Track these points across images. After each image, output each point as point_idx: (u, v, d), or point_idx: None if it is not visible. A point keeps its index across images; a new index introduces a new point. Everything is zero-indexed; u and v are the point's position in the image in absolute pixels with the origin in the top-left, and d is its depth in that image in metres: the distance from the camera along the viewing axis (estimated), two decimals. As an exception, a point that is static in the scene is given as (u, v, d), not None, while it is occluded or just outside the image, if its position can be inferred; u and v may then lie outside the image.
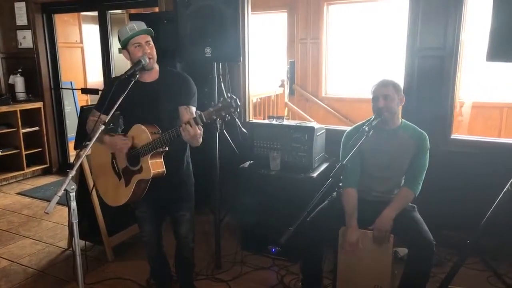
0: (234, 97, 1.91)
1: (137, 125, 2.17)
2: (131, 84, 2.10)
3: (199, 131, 1.98)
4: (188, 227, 2.47)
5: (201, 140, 2.08)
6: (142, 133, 2.14)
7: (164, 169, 2.18)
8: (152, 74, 2.28)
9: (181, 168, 2.39)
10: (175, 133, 2.03)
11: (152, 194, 2.28)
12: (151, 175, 2.14)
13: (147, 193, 2.25)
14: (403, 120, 2.44)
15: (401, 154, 2.37)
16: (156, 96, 2.24)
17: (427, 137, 2.39)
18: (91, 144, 1.95)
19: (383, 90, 2.32)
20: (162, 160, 2.18)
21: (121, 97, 2.05)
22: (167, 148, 2.14)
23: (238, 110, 1.92)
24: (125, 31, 2.18)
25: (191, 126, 1.95)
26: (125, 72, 2.13)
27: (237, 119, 3.32)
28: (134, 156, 2.20)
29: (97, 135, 1.95)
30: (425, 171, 2.38)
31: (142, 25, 2.21)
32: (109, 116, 2.06)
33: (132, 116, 2.25)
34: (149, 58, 2.18)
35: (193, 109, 2.26)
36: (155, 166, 2.15)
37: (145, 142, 2.11)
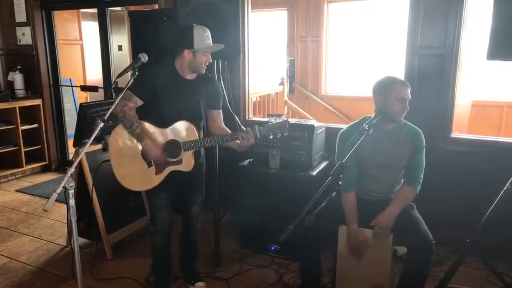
0: (287, 119, 2.26)
1: (184, 121, 2.32)
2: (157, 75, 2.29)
3: (253, 142, 2.26)
4: (199, 209, 2.66)
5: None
6: (189, 130, 2.31)
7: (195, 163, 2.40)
8: (194, 74, 2.41)
9: (199, 157, 2.52)
10: (229, 139, 2.27)
11: (173, 182, 2.39)
12: (191, 169, 2.33)
13: (168, 180, 2.37)
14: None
15: (398, 153, 2.36)
16: (194, 93, 2.38)
17: (422, 134, 2.38)
18: (89, 141, 1.95)
19: (409, 93, 2.28)
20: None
21: (130, 74, 2.14)
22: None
23: (290, 129, 2.26)
24: (203, 38, 2.30)
25: (250, 136, 2.23)
26: (125, 69, 2.13)
27: (236, 117, 3.31)
28: (174, 149, 2.32)
29: (94, 135, 1.95)
30: (424, 168, 2.38)
31: (210, 33, 2.35)
32: (126, 86, 2.14)
33: (167, 107, 2.33)
34: (205, 66, 2.36)
35: (221, 112, 2.51)
36: (194, 160, 2.35)
37: (191, 139, 2.29)
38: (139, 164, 2.38)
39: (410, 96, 2.29)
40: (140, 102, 2.30)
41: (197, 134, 2.31)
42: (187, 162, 2.33)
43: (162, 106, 2.35)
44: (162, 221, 2.51)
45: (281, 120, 2.23)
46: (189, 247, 2.77)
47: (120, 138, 2.40)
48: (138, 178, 2.39)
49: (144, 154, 2.37)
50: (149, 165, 2.37)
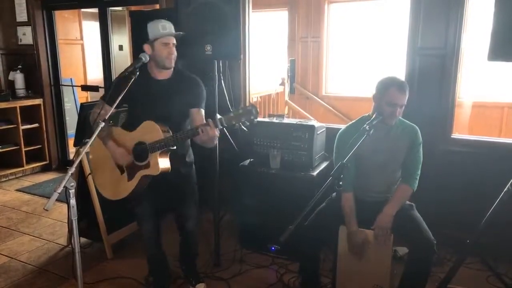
0: (255, 105, 1.97)
1: (148, 122, 2.19)
2: (132, 81, 2.10)
3: (217, 133, 2.05)
4: (195, 222, 2.58)
5: (216, 141, 2.16)
6: (154, 130, 2.16)
7: (170, 166, 2.22)
8: (167, 73, 2.32)
9: (184, 165, 2.42)
10: (190, 133, 2.09)
11: (156, 191, 2.32)
12: (159, 172, 2.17)
13: (150, 190, 2.28)
14: None
15: (395, 151, 2.36)
16: (167, 94, 2.28)
17: (419, 131, 2.38)
18: (91, 141, 1.95)
19: (403, 99, 2.24)
20: (168, 158, 2.22)
21: (124, 90, 2.06)
22: (175, 147, 2.18)
23: (257, 118, 1.98)
24: (157, 28, 2.21)
25: (210, 128, 2.02)
26: (126, 69, 2.13)
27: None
28: (141, 152, 2.22)
29: (96, 133, 1.95)
30: (421, 165, 2.37)
31: (171, 26, 2.26)
32: (113, 106, 2.08)
33: (140, 110, 2.27)
34: (170, 59, 2.24)
35: (203, 112, 2.34)
36: (163, 162, 2.18)
37: (156, 139, 2.14)
38: (113, 172, 2.33)
39: (404, 102, 2.25)
40: (110, 109, 2.14)
41: (161, 134, 2.14)
42: (154, 165, 2.18)
43: (135, 110, 2.32)
44: (148, 231, 2.48)
45: (247, 106, 2.00)
46: (188, 253, 2.74)
47: (97, 148, 2.37)
48: (113, 186, 2.35)
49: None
50: (122, 171, 2.31)
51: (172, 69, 2.33)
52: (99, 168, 2.44)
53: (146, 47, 2.25)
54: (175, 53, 2.28)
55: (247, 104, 2.01)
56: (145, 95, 2.25)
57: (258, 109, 1.98)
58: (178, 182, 2.39)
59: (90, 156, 2.48)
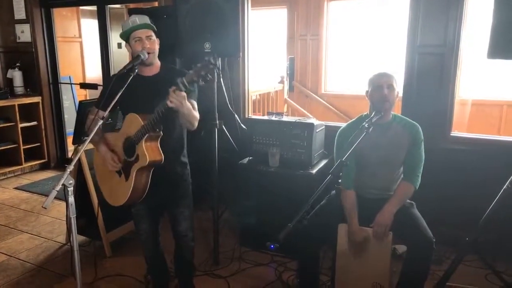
0: (211, 57, 1.88)
1: (130, 114, 2.14)
2: (130, 79, 2.07)
3: (183, 95, 1.95)
4: (187, 225, 2.42)
5: (185, 105, 2.00)
6: (134, 121, 2.10)
7: (162, 156, 2.13)
8: (153, 69, 2.24)
9: (178, 165, 2.35)
10: (162, 108, 1.98)
11: (149, 192, 2.25)
12: (148, 161, 2.07)
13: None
14: (393, 113, 2.42)
15: (396, 147, 2.36)
16: (156, 90, 2.18)
17: (420, 128, 2.38)
18: (89, 139, 1.94)
19: (387, 79, 2.30)
20: (158, 145, 2.13)
21: (120, 92, 2.02)
22: (161, 132, 2.11)
23: (218, 66, 1.87)
24: (126, 24, 2.16)
25: (174, 94, 1.92)
26: (124, 67, 2.10)
27: (236, 116, 3.31)
28: (130, 147, 2.17)
29: (95, 130, 1.94)
30: (423, 163, 2.37)
31: (144, 19, 2.17)
32: (107, 111, 2.04)
33: (130, 110, 2.21)
34: (148, 53, 2.14)
35: (194, 103, 2.22)
36: (151, 151, 2.09)
37: (138, 129, 2.08)
38: (114, 177, 2.29)
39: (391, 83, 2.28)
40: (102, 113, 2.09)
41: (141, 122, 2.06)
42: (142, 155, 2.09)
43: (124, 109, 2.27)
44: (145, 233, 2.41)
45: (204, 60, 1.89)
46: (183, 267, 2.57)
47: (98, 158, 2.35)
48: (115, 191, 2.30)
49: None
50: (119, 174, 2.26)
51: (159, 64, 2.27)
52: (102, 180, 2.41)
53: (127, 47, 2.20)
54: (153, 46, 2.18)
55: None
56: (133, 94, 2.17)
57: (215, 59, 1.88)
58: (172, 181, 2.32)
59: (95, 164, 2.44)
